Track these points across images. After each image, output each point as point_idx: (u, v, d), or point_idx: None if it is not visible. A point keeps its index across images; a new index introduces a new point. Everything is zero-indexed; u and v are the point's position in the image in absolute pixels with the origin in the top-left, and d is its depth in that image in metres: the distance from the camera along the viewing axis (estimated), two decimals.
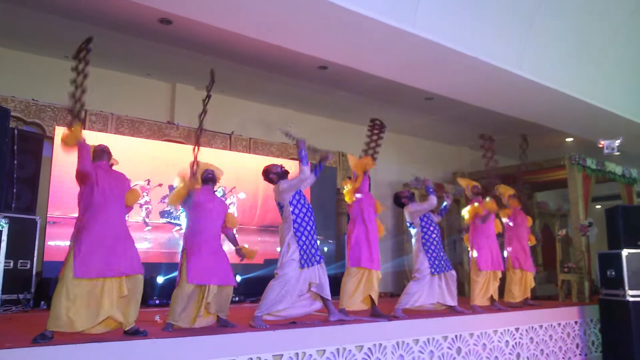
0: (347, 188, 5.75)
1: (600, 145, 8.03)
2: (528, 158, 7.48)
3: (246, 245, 4.89)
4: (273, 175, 4.94)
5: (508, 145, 9.37)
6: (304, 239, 4.68)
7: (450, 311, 5.91)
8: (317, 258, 4.77)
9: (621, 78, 8.37)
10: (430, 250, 5.86)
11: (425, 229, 5.95)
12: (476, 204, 6.65)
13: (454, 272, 6.00)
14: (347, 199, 5.75)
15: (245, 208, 8.62)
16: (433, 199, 5.96)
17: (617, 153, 8.12)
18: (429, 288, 5.83)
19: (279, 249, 4.81)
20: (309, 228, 4.77)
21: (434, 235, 5.95)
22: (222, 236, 4.77)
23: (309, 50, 6.51)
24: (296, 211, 4.74)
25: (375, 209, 5.80)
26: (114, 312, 3.70)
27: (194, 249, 4.39)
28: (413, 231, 6.06)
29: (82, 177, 3.81)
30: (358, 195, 5.69)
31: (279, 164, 5.08)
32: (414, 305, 5.74)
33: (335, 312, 4.86)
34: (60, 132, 6.96)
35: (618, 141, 7.89)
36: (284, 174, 4.92)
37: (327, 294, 4.78)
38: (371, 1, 5.42)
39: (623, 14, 7.68)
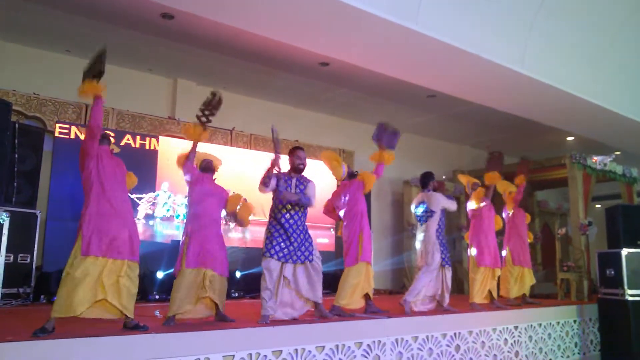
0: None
1: (594, 161, 8.32)
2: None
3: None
4: (296, 161, 4.79)
5: (509, 144, 9.38)
6: (276, 234, 4.55)
7: (439, 307, 5.93)
8: (300, 257, 4.59)
9: (622, 77, 8.37)
10: (442, 243, 5.95)
11: (441, 223, 6.02)
12: (477, 189, 6.72)
13: (450, 269, 6.06)
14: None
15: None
16: (455, 205, 6.18)
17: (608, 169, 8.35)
18: (435, 278, 5.91)
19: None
20: (287, 225, 4.58)
21: (443, 230, 6.06)
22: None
23: (311, 47, 6.51)
24: (273, 204, 4.67)
25: (365, 189, 5.63)
26: (111, 296, 3.71)
27: (194, 234, 4.44)
28: (424, 218, 6.05)
29: (93, 134, 3.78)
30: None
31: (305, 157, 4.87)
32: (422, 294, 5.79)
33: (326, 315, 4.80)
34: (59, 127, 7.04)
35: (610, 158, 8.20)
36: (298, 167, 4.80)
37: (312, 296, 4.69)
38: None
39: (625, 13, 7.67)
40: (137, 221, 7.37)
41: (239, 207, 4.79)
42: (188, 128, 4.70)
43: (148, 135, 7.87)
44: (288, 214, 4.63)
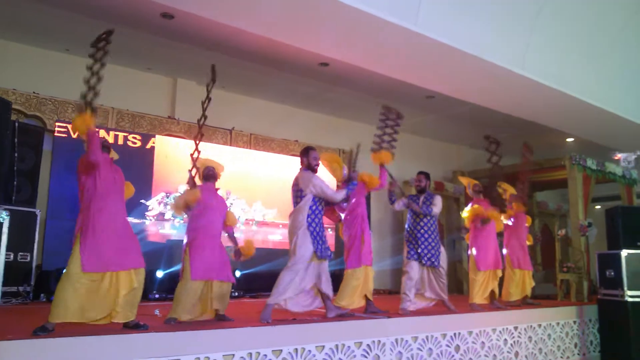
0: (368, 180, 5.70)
1: (617, 158, 8.06)
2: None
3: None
4: (313, 162, 4.83)
5: (509, 145, 9.26)
6: (315, 233, 4.65)
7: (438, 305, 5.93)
8: (328, 253, 4.77)
9: (623, 79, 8.37)
10: (410, 241, 5.99)
11: (410, 221, 6.06)
12: (476, 205, 6.63)
13: (441, 270, 6.00)
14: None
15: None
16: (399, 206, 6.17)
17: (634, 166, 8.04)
18: (427, 278, 5.92)
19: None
20: (319, 222, 4.74)
21: (413, 230, 5.98)
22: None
23: (311, 47, 6.50)
24: (313, 207, 4.69)
25: (368, 189, 5.73)
26: (116, 308, 3.70)
27: (197, 246, 4.44)
28: None
29: (89, 167, 3.76)
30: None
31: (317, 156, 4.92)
32: (414, 302, 5.77)
33: (332, 309, 4.87)
34: (59, 126, 7.04)
35: (635, 155, 7.93)
36: (314, 167, 4.85)
37: (328, 290, 4.79)
38: None
39: (626, 15, 7.67)
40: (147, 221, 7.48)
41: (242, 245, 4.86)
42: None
43: (145, 134, 7.85)
44: (321, 215, 4.81)
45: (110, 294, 3.66)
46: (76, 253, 3.60)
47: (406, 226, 6.10)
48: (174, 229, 7.90)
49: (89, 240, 3.63)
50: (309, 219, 4.65)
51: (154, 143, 7.87)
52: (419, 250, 5.87)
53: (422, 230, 5.92)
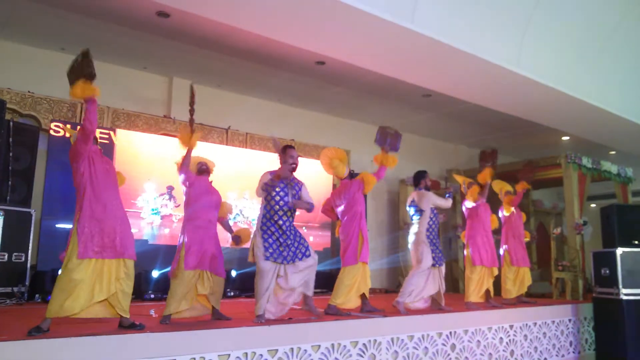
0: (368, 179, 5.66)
1: None
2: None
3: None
4: (289, 161, 4.77)
5: (505, 143, 9.32)
6: (270, 233, 4.56)
7: (436, 308, 5.94)
8: (297, 254, 4.61)
9: (618, 77, 8.38)
10: (433, 242, 5.98)
11: (432, 222, 6.03)
12: (474, 186, 6.73)
13: (443, 268, 6.13)
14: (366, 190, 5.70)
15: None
16: (450, 202, 6.22)
17: None
18: (432, 279, 5.96)
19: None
20: (285, 227, 4.59)
21: (435, 229, 6.07)
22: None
23: (307, 45, 6.49)
24: (267, 207, 4.64)
25: (365, 189, 5.67)
26: (110, 296, 3.71)
27: (191, 236, 4.49)
28: (416, 218, 6.07)
29: (85, 138, 3.73)
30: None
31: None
32: (418, 296, 5.80)
33: (313, 310, 4.88)
34: (54, 125, 7.01)
35: None
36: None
37: (305, 289, 4.76)
38: None
39: (621, 13, 7.69)
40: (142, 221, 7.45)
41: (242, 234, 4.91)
42: (182, 136, 4.71)
43: (104, 128, 7.59)
44: (285, 217, 4.65)
45: (100, 282, 3.66)
46: (74, 241, 3.64)
47: (431, 229, 6.01)
48: (169, 229, 7.89)
49: (86, 228, 3.67)
50: (264, 218, 4.64)
51: (114, 138, 7.53)
52: (437, 253, 5.97)
53: (435, 230, 6.02)
